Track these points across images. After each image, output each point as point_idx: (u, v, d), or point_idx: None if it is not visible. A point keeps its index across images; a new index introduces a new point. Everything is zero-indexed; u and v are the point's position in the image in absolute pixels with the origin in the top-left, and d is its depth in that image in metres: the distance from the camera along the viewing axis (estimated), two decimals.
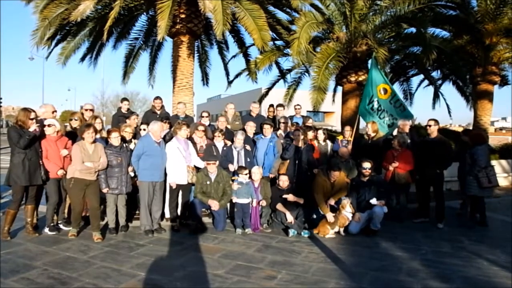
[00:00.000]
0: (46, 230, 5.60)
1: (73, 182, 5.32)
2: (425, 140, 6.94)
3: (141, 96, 48.64)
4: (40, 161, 5.33)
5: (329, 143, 7.77)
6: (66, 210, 5.98)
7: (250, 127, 7.22)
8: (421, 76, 16.32)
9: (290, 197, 6.27)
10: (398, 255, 5.15)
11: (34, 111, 5.38)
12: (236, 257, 4.89)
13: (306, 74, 14.69)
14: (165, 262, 4.67)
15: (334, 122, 38.14)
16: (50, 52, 11.83)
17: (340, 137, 8.09)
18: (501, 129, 59.71)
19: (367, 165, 6.29)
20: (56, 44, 11.61)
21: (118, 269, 4.32)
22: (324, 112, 41.02)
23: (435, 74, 15.22)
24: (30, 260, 4.51)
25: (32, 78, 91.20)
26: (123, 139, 5.93)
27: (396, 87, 16.35)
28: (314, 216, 6.38)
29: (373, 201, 6.09)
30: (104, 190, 5.56)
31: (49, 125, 5.49)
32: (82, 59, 13.22)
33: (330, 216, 5.97)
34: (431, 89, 15.93)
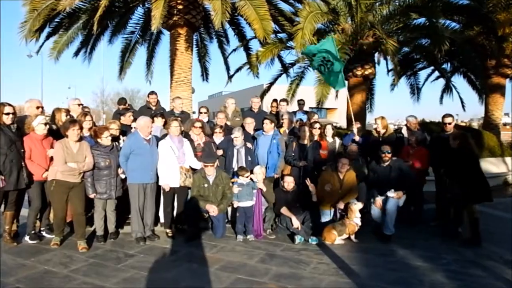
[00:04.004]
0: (27, 238, 5.07)
1: (55, 185, 4.76)
2: (441, 136, 6.37)
3: (142, 94, 48.18)
4: (23, 163, 4.82)
5: (337, 139, 7.22)
6: (51, 215, 5.43)
7: (248, 124, 6.67)
8: (429, 70, 15.82)
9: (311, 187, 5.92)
10: (417, 265, 4.60)
11: (10, 105, 4.85)
12: (236, 269, 4.35)
13: (309, 68, 14.18)
14: (155, 276, 4.13)
15: (337, 119, 37.58)
16: (41, 46, 11.37)
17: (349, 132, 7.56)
18: (504, 124, 59.14)
19: (386, 148, 5.83)
20: (47, 38, 11.12)
21: (101, 286, 3.79)
22: (327, 109, 40.45)
23: (445, 67, 14.66)
24: (3, 275, 3.97)
25: (32, 76, 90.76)
26: (113, 138, 5.38)
27: (403, 81, 15.85)
28: (322, 221, 5.85)
29: (390, 193, 5.60)
30: (91, 196, 5.03)
31: (45, 124, 4.98)
32: (76, 53, 12.75)
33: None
34: (438, 83, 15.42)
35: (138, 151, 5.16)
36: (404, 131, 7.13)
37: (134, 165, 5.16)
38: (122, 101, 8.61)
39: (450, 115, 6.36)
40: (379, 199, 5.68)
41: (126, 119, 6.66)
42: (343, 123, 21.37)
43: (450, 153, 5.79)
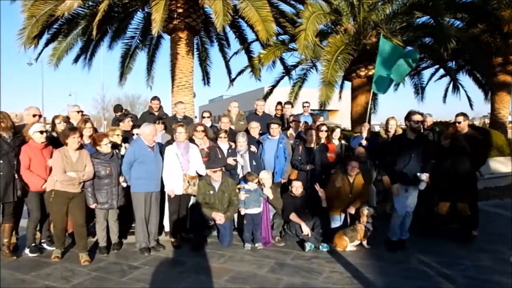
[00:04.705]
0: (27, 251, 4.87)
1: (54, 196, 4.55)
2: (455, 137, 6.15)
3: (143, 99, 48.15)
4: (15, 175, 4.60)
5: (343, 142, 7.02)
6: (51, 226, 5.23)
7: (254, 129, 6.47)
8: (432, 69, 15.65)
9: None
10: (435, 273, 4.39)
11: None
12: (246, 280, 4.15)
13: (312, 70, 14.09)
14: None
15: (338, 121, 37.38)
16: (40, 53, 11.25)
17: (356, 135, 7.36)
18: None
19: (418, 117, 5.06)
20: (46, 45, 10.98)
21: None
22: (328, 111, 40.27)
23: (450, 65, 14.46)
24: None
25: (33, 83, 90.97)
26: (113, 146, 5.18)
27: (407, 81, 15.65)
28: (332, 226, 5.65)
29: (423, 175, 4.94)
30: (92, 206, 4.82)
31: (41, 132, 4.74)
32: (76, 60, 12.61)
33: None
34: (442, 82, 15.26)
35: (142, 158, 4.97)
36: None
37: (139, 173, 4.97)
38: (118, 108, 8.51)
39: (462, 114, 6.12)
40: (398, 186, 5.04)
41: (125, 125, 6.45)
42: (344, 125, 21.15)
43: (442, 152, 5.73)
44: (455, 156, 5.60)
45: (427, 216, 6.24)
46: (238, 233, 5.75)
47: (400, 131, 6.95)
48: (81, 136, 4.90)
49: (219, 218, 5.23)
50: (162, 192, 5.37)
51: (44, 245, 5.13)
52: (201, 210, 5.31)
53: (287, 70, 14.13)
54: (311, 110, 9.04)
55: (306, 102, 8.55)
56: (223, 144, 6.03)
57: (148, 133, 5.04)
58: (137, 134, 5.63)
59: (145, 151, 5.02)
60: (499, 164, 10.31)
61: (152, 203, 5.15)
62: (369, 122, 11.51)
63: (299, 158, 6.12)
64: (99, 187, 4.86)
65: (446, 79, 15.93)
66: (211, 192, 5.33)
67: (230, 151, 5.93)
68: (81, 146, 4.85)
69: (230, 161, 5.79)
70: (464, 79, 33.32)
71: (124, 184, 5.08)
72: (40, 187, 4.75)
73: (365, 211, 5.29)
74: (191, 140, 5.72)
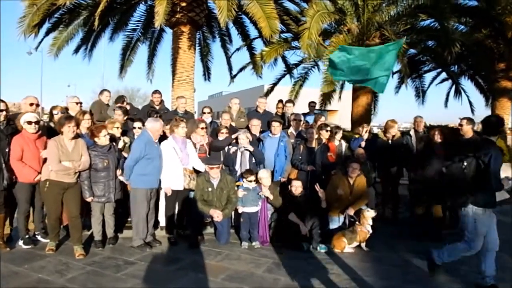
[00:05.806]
0: (20, 243, 4.77)
1: (48, 185, 4.44)
2: (459, 141, 6.09)
3: (142, 93, 47.75)
4: (3, 164, 4.46)
5: (343, 143, 6.95)
6: (46, 218, 5.11)
7: (255, 127, 6.38)
8: (434, 73, 15.60)
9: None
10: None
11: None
12: (243, 280, 4.08)
13: (314, 69, 14.01)
14: (158, 287, 3.87)
15: (337, 121, 37.32)
16: (40, 42, 11.14)
17: (357, 136, 7.29)
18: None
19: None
20: (47, 34, 10.85)
21: None
22: (328, 111, 40.23)
23: (452, 69, 14.42)
24: None
25: (32, 74, 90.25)
26: (111, 138, 5.08)
27: (408, 84, 15.60)
28: (331, 227, 5.59)
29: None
30: (89, 199, 4.72)
31: (29, 122, 4.53)
32: (76, 50, 12.48)
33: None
34: (443, 86, 15.22)
35: (151, 155, 4.88)
36: (412, 132, 6.88)
37: (145, 169, 4.86)
38: (119, 99, 8.32)
39: (466, 119, 6.06)
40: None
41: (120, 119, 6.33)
42: (344, 126, 21.10)
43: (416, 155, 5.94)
44: (425, 159, 5.70)
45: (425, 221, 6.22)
46: (235, 231, 5.69)
47: (399, 133, 6.91)
48: (78, 126, 4.79)
49: (217, 215, 5.15)
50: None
51: (38, 237, 5.04)
52: (199, 207, 5.23)
53: (289, 69, 14.05)
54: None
55: (313, 102, 8.49)
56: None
57: (158, 128, 4.99)
58: (139, 127, 5.54)
59: (153, 146, 4.95)
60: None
61: (151, 199, 5.08)
62: (369, 123, 11.51)
63: (300, 157, 6.05)
64: (96, 179, 4.76)
65: (448, 83, 15.90)
66: (210, 189, 5.25)
67: (231, 147, 5.87)
68: (77, 136, 4.72)
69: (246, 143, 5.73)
70: (466, 83, 33.35)
71: (121, 178, 4.99)
72: (32, 179, 4.59)
73: (366, 213, 5.23)
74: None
